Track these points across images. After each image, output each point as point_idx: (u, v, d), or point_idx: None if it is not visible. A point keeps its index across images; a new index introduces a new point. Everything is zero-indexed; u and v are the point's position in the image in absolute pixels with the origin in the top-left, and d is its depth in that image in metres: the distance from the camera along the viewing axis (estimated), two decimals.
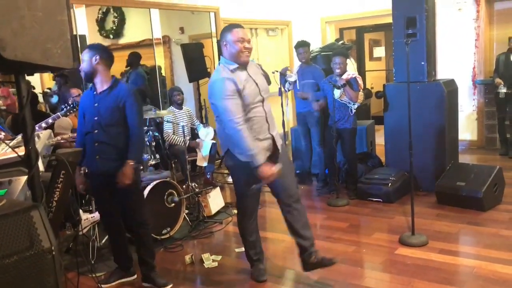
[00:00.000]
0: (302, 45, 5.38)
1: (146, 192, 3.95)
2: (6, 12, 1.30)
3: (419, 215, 4.22)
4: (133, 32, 7.03)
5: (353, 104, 4.87)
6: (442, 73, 6.80)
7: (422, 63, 4.86)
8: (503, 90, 6.12)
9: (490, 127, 6.80)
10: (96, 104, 3.10)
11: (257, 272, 3.30)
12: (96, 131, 3.10)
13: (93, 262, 3.67)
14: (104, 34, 7.40)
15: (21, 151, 1.93)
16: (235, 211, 4.70)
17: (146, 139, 4.37)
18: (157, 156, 4.53)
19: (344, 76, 4.80)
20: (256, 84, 2.95)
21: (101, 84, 3.13)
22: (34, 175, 1.48)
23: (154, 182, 4.04)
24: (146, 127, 4.54)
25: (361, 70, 9.92)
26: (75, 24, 5.38)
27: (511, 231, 3.79)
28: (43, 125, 3.54)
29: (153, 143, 4.50)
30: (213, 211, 4.64)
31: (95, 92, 3.14)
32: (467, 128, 6.92)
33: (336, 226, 4.23)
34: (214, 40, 6.83)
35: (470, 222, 4.05)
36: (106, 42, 7.26)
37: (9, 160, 1.84)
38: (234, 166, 3.04)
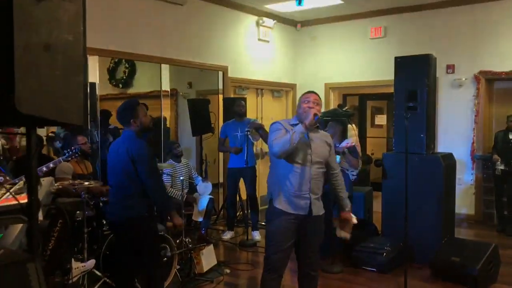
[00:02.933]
0: None
1: None
2: (28, 70, 1.38)
3: (413, 287, 4.19)
4: (142, 83, 7.21)
5: (352, 171, 4.92)
6: (443, 146, 6.93)
7: (422, 135, 4.97)
8: (500, 167, 6.20)
9: (488, 203, 6.82)
10: None
11: None
12: None
13: None
14: (114, 83, 7.60)
15: (22, 198, 1.97)
16: (228, 270, 4.69)
17: None
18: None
19: (343, 144, 4.89)
20: (310, 146, 3.14)
21: None
22: (33, 225, 1.51)
23: None
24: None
25: (362, 136, 10.08)
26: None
27: None
28: (44, 169, 3.58)
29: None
30: (205, 269, 4.59)
31: None
32: (465, 202, 6.94)
33: None
34: (221, 97, 7.00)
35: None
36: (115, 91, 7.46)
37: (8, 207, 1.87)
38: (268, 211, 3.25)
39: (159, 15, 5.95)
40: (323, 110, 7.55)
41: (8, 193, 1.95)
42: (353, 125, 7.53)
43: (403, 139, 4.95)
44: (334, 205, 5.01)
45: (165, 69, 6.63)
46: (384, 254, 4.69)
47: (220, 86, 7.04)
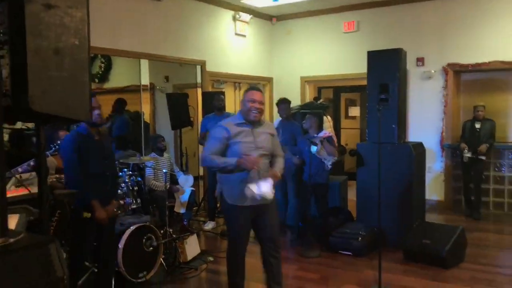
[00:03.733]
0: (284, 102, 5.72)
1: (126, 235, 4.08)
2: (39, 71, 1.52)
3: (386, 270, 4.43)
4: (118, 77, 7.27)
5: (329, 161, 5.15)
6: (414, 136, 7.23)
7: (393, 126, 5.22)
8: (467, 154, 6.52)
9: (456, 189, 7.17)
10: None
11: None
12: None
13: None
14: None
15: (21, 190, 2.11)
16: (211, 258, 4.87)
17: (129, 183, 4.54)
18: (139, 200, 4.67)
19: (321, 134, 5.11)
20: (255, 141, 3.36)
21: None
22: (43, 213, 1.66)
23: (135, 226, 4.17)
24: (130, 172, 4.71)
25: (337, 127, 10.35)
26: None
27: None
28: (31, 163, 3.68)
29: (136, 188, 4.65)
30: (189, 257, 4.76)
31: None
32: (435, 189, 7.28)
33: (308, 277, 4.40)
34: (199, 91, 7.13)
35: (433, 278, 4.28)
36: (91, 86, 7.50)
37: (13, 198, 2.00)
38: (225, 207, 3.48)
39: (137, 11, 6.04)
40: (298, 102, 7.80)
41: (12, 185, 2.08)
42: (328, 117, 7.79)
43: (376, 129, 5.22)
44: (311, 196, 5.26)
45: (144, 63, 6.72)
46: (359, 238, 4.94)
47: (199, 80, 7.17)
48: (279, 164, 3.56)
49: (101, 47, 5.74)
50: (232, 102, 7.91)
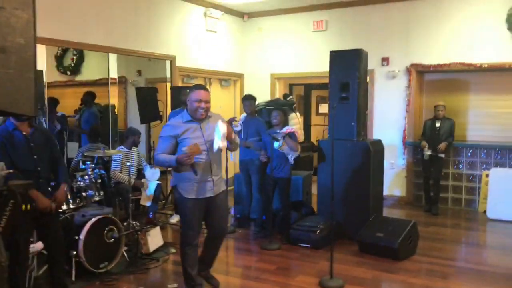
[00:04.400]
0: (248, 99, 5.87)
1: (87, 226, 4.18)
2: None
3: (341, 261, 4.65)
4: (90, 70, 7.30)
5: (292, 156, 5.31)
6: (378, 133, 7.47)
7: (352, 123, 5.41)
8: (427, 152, 6.77)
9: (417, 185, 7.43)
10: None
11: None
12: None
13: None
14: (62, 70, 7.64)
15: None
16: (173, 250, 4.99)
17: (91, 176, 4.62)
18: (102, 193, 4.75)
19: (284, 130, 5.27)
20: (203, 135, 3.54)
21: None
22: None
23: (96, 218, 4.27)
24: (93, 165, 4.79)
25: (307, 124, 10.56)
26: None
27: (417, 279, 4.26)
28: None
29: (99, 180, 4.74)
30: (151, 249, 4.87)
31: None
32: (397, 184, 7.54)
33: (266, 268, 4.57)
34: (169, 85, 7.22)
35: (384, 270, 4.49)
36: (63, 78, 7.51)
37: None
38: (179, 199, 3.69)
39: (106, 5, 6.09)
40: (268, 98, 7.96)
41: None
42: (297, 113, 7.97)
43: (336, 126, 5.43)
44: (274, 190, 5.43)
45: (113, 57, 6.78)
46: (318, 231, 5.13)
47: (168, 75, 7.25)
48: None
49: (70, 40, 5.79)
50: None
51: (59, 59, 7.66)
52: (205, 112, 3.57)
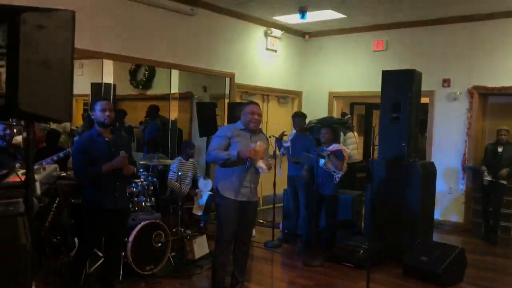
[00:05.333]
0: (298, 116, 5.99)
1: (136, 230, 4.46)
2: (28, 80, 1.90)
3: (381, 282, 4.62)
4: (160, 85, 7.76)
5: (337, 173, 5.34)
6: (436, 155, 7.29)
7: (403, 144, 5.35)
8: (487, 178, 6.50)
9: (476, 212, 7.11)
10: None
11: None
12: None
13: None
14: (135, 84, 8.20)
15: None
16: None
17: (144, 183, 4.92)
18: (153, 199, 5.03)
19: (330, 148, 5.32)
20: (251, 144, 3.86)
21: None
22: (29, 194, 2.02)
23: (145, 222, 4.54)
24: (146, 173, 5.10)
25: (369, 143, 10.42)
26: (101, 73, 6.16)
27: None
28: (55, 158, 4.13)
29: (151, 187, 5.03)
30: (196, 256, 5.07)
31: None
32: (455, 210, 7.27)
33: (304, 284, 4.62)
34: (227, 101, 7.50)
35: None
36: (135, 92, 8.04)
37: (15, 183, 2.39)
38: (217, 199, 4.00)
39: (171, 25, 6.49)
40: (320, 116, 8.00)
41: (20, 173, 2.46)
42: (355, 133, 7.96)
43: (387, 147, 5.41)
44: (321, 207, 5.47)
45: (176, 74, 7.17)
46: (361, 251, 5.09)
47: (227, 92, 7.53)
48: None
49: (136, 56, 6.20)
50: None
51: (133, 73, 8.23)
52: (256, 124, 3.97)
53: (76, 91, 7.23)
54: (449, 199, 7.29)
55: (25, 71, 1.90)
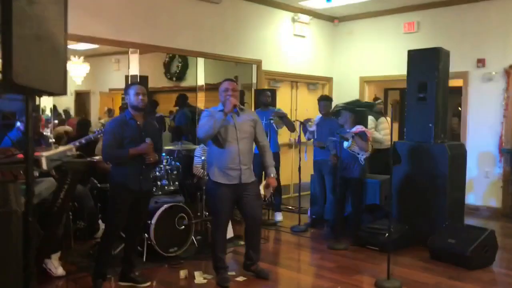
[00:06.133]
0: (323, 99, 5.92)
1: (158, 212, 4.54)
2: (21, 54, 1.96)
3: (407, 265, 4.52)
4: (193, 77, 7.85)
5: (362, 155, 5.23)
6: (472, 138, 7.04)
7: (430, 125, 5.19)
8: None
9: None
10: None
11: (222, 279, 3.99)
12: None
13: None
14: (169, 76, 8.34)
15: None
16: (242, 242, 5.18)
17: (167, 167, 5.00)
18: (176, 183, 5.10)
19: (354, 129, 5.23)
20: (236, 126, 3.88)
21: None
22: (29, 167, 2.09)
23: (168, 205, 4.63)
24: (169, 157, 5.18)
25: (403, 129, 10.17)
26: (128, 66, 6.29)
27: None
28: (77, 143, 4.28)
29: (174, 172, 5.10)
30: None
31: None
32: (492, 195, 7.00)
33: (325, 265, 4.58)
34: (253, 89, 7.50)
35: (451, 277, 4.25)
36: (169, 84, 8.18)
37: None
38: (208, 185, 4.08)
39: (197, 13, 6.54)
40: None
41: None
42: (388, 118, 7.78)
43: (413, 128, 5.27)
44: (346, 191, 5.38)
45: (205, 65, 7.22)
46: (386, 234, 4.99)
47: (254, 80, 7.53)
48: (271, 170, 4.19)
49: (161, 45, 6.29)
50: (288, 100, 8.17)
51: (167, 66, 8.37)
52: (229, 105, 3.84)
53: (113, 85, 7.46)
54: (485, 183, 7.03)
55: (18, 45, 1.95)
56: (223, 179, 3.91)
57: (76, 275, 4.11)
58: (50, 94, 2.10)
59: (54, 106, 7.68)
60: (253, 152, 4.17)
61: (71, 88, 8.02)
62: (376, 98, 8.24)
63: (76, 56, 7.93)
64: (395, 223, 5.20)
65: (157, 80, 8.56)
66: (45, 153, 2.47)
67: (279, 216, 6.39)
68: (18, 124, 4.25)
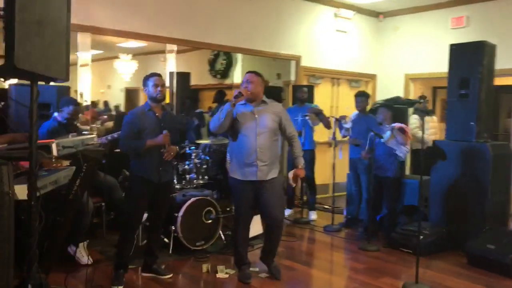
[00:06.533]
0: (360, 95, 5.73)
1: (185, 205, 4.55)
2: (24, 38, 1.98)
3: (441, 270, 4.32)
4: (238, 74, 7.87)
5: (400, 152, 5.01)
6: None
7: (472, 123, 4.91)
8: None
9: None
10: None
11: (243, 275, 3.94)
12: None
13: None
14: (213, 74, 8.40)
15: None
16: None
17: (196, 161, 5.00)
18: (206, 177, 5.09)
19: (393, 125, 5.01)
20: (256, 119, 3.77)
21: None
22: (32, 149, 2.12)
23: (194, 198, 4.63)
24: (200, 152, 5.17)
25: None
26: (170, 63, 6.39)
27: None
28: (109, 137, 4.36)
29: (204, 166, 5.09)
30: (250, 236, 5.05)
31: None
32: None
33: (353, 266, 4.43)
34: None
35: (488, 285, 3.99)
36: (213, 81, 8.25)
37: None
38: (229, 180, 3.98)
39: (234, 7, 6.51)
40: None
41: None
42: (434, 117, 7.48)
43: (454, 126, 5.02)
44: (378, 189, 5.19)
45: (246, 61, 7.20)
46: (421, 237, 4.75)
47: (292, 75, 7.42)
48: (299, 160, 3.98)
49: (199, 41, 6.31)
50: (329, 97, 8.00)
51: (212, 63, 8.44)
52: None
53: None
54: None
55: (21, 30, 1.98)
56: (239, 175, 3.83)
57: (102, 264, 4.20)
58: (52, 79, 2.12)
59: (105, 102, 7.96)
60: (278, 148, 4.02)
61: (122, 85, 8.31)
62: (421, 97, 7.91)
63: (125, 54, 8.18)
64: (431, 226, 4.98)
65: (202, 78, 8.67)
66: (56, 140, 2.50)
67: (313, 215, 6.27)
68: (56, 114, 4.38)
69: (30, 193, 2.13)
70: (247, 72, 3.90)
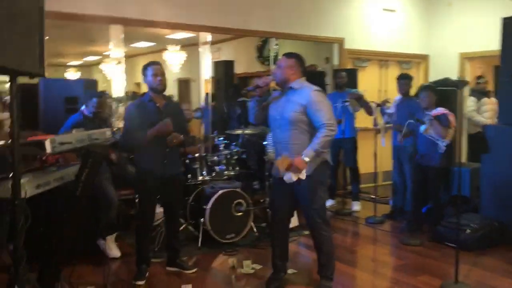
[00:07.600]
0: (403, 78, 5.35)
1: (214, 197, 4.44)
2: None
3: (489, 268, 3.96)
4: None
5: (442, 142, 4.62)
6: None
7: None
8: None
9: None
10: None
11: (268, 281, 3.59)
12: None
13: (156, 249, 4.27)
14: (262, 60, 8.24)
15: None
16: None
17: (226, 152, 4.86)
18: (237, 168, 4.94)
19: (434, 112, 4.63)
20: (278, 110, 3.40)
21: None
22: (15, 144, 2.06)
23: (223, 190, 4.50)
24: (225, 141, 5.04)
25: None
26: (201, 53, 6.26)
27: None
28: None
29: (235, 157, 4.95)
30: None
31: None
32: None
33: (389, 262, 4.15)
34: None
35: None
36: (262, 68, 8.08)
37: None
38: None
39: None
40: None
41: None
42: (492, 99, 6.90)
43: (507, 109, 4.56)
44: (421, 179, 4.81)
45: (293, 47, 6.95)
46: (468, 231, 4.36)
47: (336, 59, 7.08)
48: (306, 151, 3.22)
49: (233, 27, 6.13)
50: (376, 81, 7.57)
51: (260, 50, 8.28)
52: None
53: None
54: None
55: None
56: (276, 171, 3.40)
57: (131, 257, 4.17)
58: (27, 74, 2.03)
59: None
60: (307, 142, 3.35)
61: (173, 76, 8.35)
62: (479, 77, 7.32)
63: (174, 45, 8.19)
64: (481, 218, 4.56)
65: (250, 65, 8.52)
66: (51, 136, 2.44)
67: (356, 206, 5.97)
68: (83, 107, 4.39)
69: (13, 192, 2.07)
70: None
